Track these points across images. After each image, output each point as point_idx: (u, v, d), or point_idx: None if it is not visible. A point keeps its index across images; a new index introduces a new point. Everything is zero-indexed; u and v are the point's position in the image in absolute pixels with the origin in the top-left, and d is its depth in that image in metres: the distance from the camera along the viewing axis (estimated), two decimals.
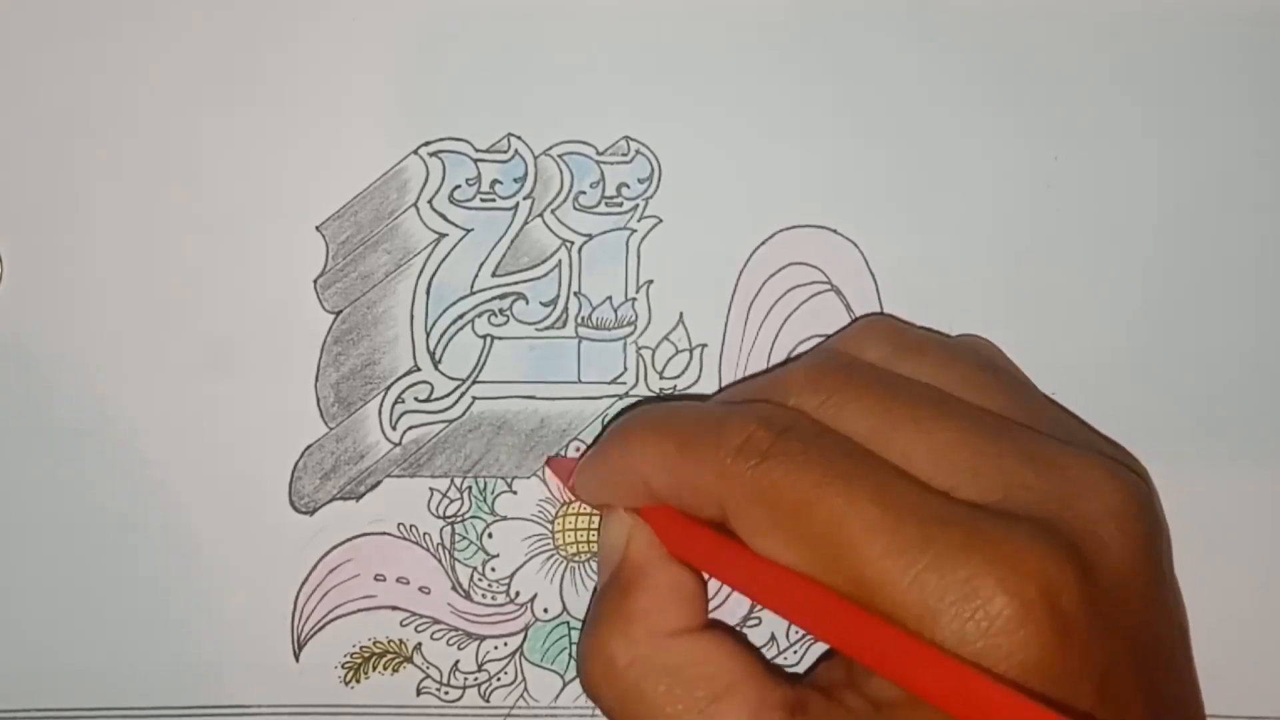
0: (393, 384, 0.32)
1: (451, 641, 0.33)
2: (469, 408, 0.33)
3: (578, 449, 0.33)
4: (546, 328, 0.33)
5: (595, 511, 0.33)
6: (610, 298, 0.33)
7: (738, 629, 0.32)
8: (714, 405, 0.27)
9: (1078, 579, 0.23)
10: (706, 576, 0.28)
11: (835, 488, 0.24)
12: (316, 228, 0.32)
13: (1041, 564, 0.23)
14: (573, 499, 0.32)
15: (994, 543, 0.23)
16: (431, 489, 0.33)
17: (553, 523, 0.33)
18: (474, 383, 0.33)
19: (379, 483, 0.33)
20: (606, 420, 0.33)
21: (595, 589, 0.30)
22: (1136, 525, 0.25)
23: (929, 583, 0.23)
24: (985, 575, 0.23)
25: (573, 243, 0.33)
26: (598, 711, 0.33)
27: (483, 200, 0.33)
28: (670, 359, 0.33)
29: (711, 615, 0.28)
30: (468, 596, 0.33)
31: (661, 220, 0.33)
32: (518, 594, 0.33)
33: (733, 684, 0.26)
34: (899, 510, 0.24)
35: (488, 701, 0.33)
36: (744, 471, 0.25)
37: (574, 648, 0.33)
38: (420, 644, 0.33)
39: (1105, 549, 0.24)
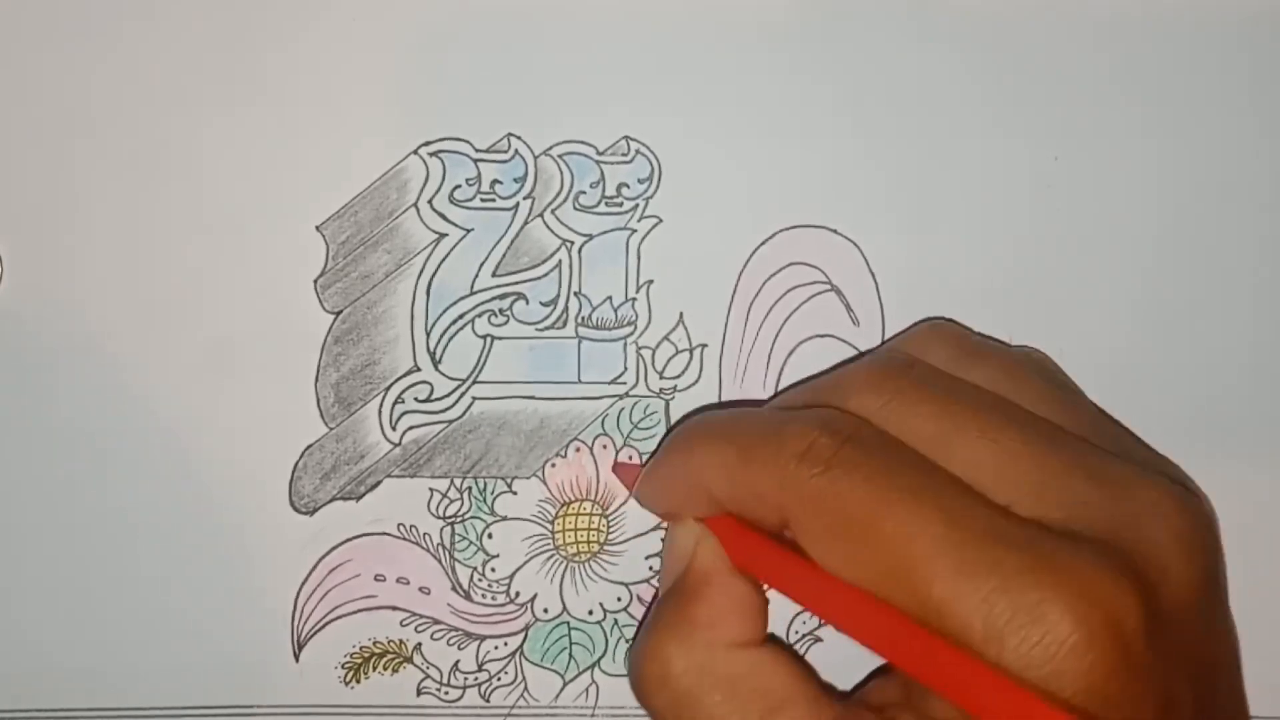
0: (393, 384, 0.32)
1: (451, 641, 0.33)
2: (469, 408, 0.33)
3: (577, 449, 0.33)
4: (546, 328, 0.33)
5: (594, 512, 0.33)
6: (610, 298, 0.33)
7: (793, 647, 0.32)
8: (775, 411, 0.27)
9: (1141, 605, 0.23)
10: (768, 589, 0.28)
11: (901, 502, 0.24)
12: (316, 228, 0.32)
13: (1107, 589, 0.23)
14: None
15: (1060, 567, 0.23)
16: (431, 489, 0.33)
17: (552, 523, 0.33)
18: (474, 383, 0.33)
19: (379, 483, 0.33)
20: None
21: (656, 594, 0.30)
22: (1200, 551, 0.25)
23: (996, 605, 0.23)
24: (1052, 601, 0.22)
25: (573, 243, 0.33)
26: (598, 713, 0.33)
27: (483, 200, 0.33)
28: (670, 359, 0.33)
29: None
30: (468, 596, 0.33)
31: (661, 220, 0.33)
32: (518, 594, 0.33)
33: (787, 700, 0.26)
34: (966, 528, 0.23)
35: (488, 701, 0.33)
36: (806, 480, 0.25)
37: (574, 648, 0.33)
38: (420, 644, 0.33)
39: (1169, 574, 0.24)
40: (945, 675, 0.23)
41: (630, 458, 0.33)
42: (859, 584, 0.24)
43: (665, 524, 0.32)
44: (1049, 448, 0.25)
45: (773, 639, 0.27)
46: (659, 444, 0.32)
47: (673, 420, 0.33)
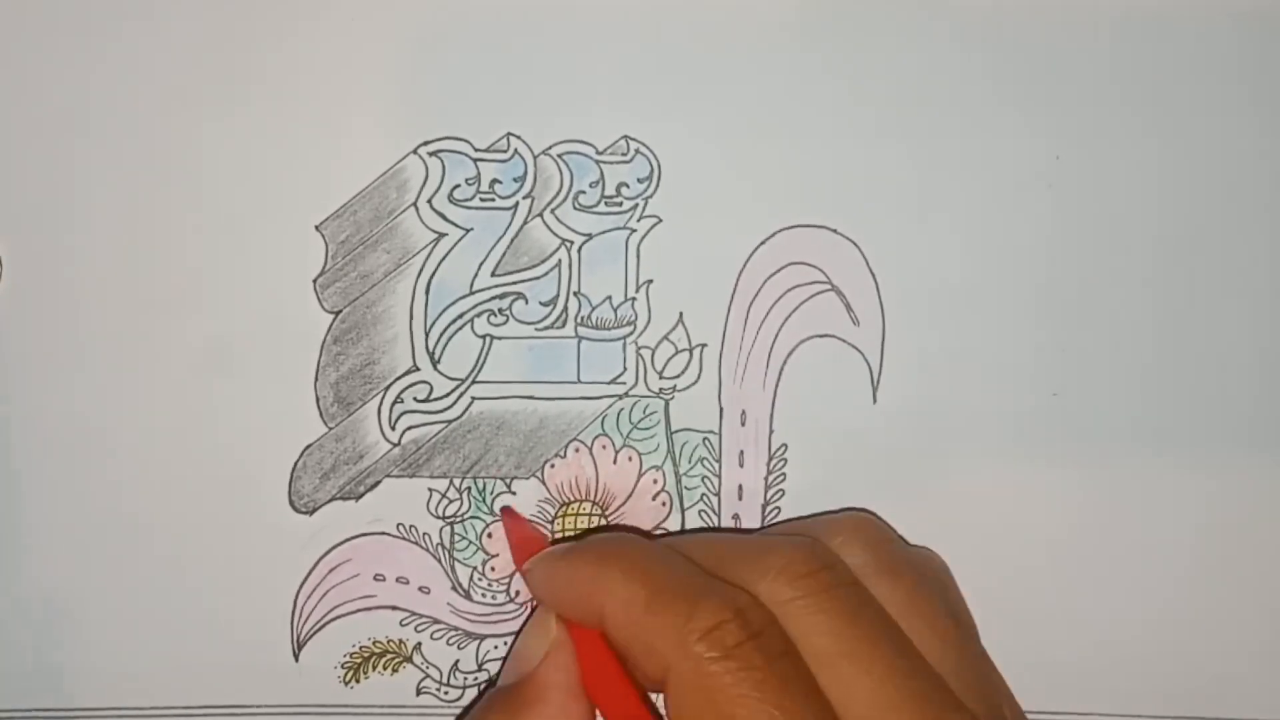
0: (392, 384, 0.32)
1: (451, 641, 0.33)
2: (468, 408, 0.33)
3: (577, 450, 0.33)
4: (546, 328, 0.33)
5: (594, 513, 0.33)
6: (610, 297, 0.33)
7: None
8: (692, 572, 0.27)
9: None
10: None
11: (786, 711, 0.25)
12: (316, 227, 0.32)
13: None
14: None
15: None
16: (430, 489, 0.33)
17: (552, 523, 0.33)
18: (473, 383, 0.33)
19: (378, 483, 0.33)
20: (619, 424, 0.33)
21: (493, 679, 0.30)
22: None
23: None
24: None
25: (572, 242, 0.33)
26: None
27: (482, 200, 0.32)
28: (670, 359, 0.33)
29: None
30: (467, 596, 0.33)
31: (661, 220, 0.33)
32: (517, 593, 0.33)
33: None
34: None
35: None
36: (701, 657, 0.25)
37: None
38: (420, 644, 0.33)
39: None
40: None
41: (631, 459, 0.33)
42: None
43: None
44: (917, 694, 0.26)
45: None
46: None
47: (673, 420, 0.33)
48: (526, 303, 0.33)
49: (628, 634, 0.27)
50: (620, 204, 0.33)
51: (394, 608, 0.33)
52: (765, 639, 0.26)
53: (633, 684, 0.27)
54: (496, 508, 0.33)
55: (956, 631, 0.28)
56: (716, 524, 0.33)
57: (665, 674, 0.26)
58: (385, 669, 0.33)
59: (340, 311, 0.32)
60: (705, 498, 0.33)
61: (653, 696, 0.27)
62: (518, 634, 0.30)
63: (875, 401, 0.33)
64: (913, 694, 0.26)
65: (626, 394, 0.33)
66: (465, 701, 0.33)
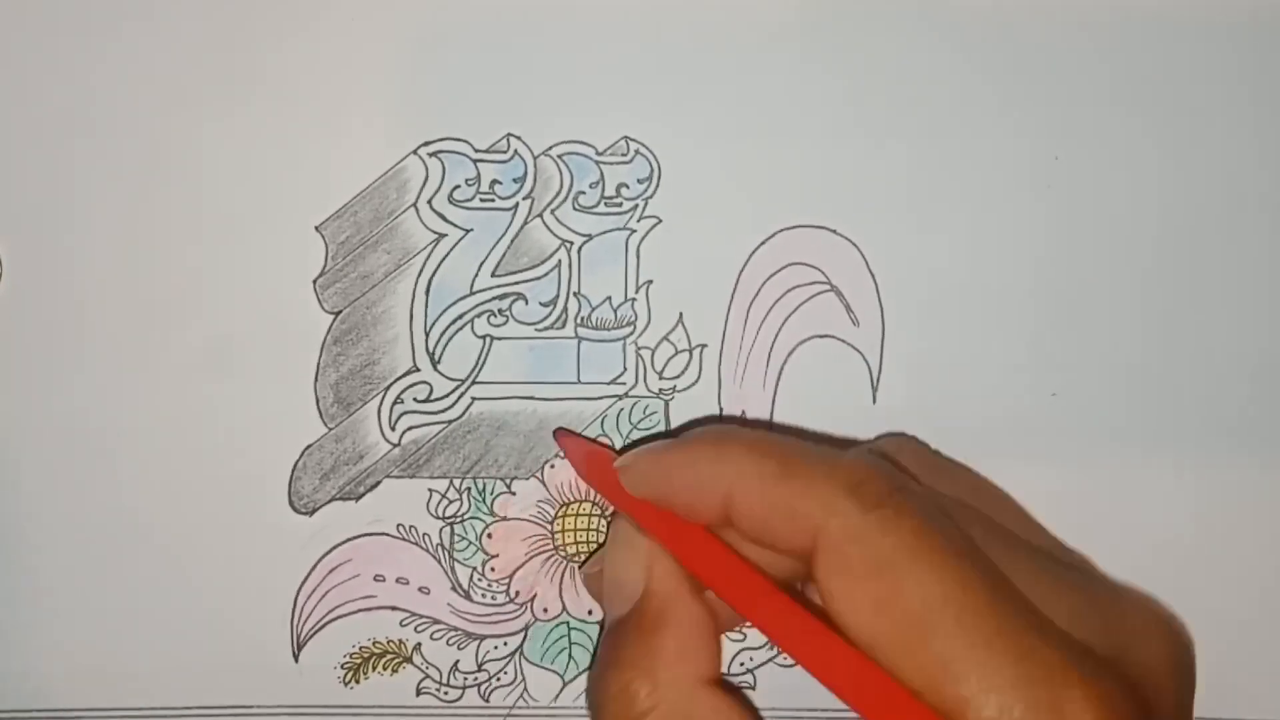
0: (392, 384, 0.32)
1: (451, 641, 0.33)
2: (468, 408, 0.33)
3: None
4: (546, 328, 0.33)
5: (594, 513, 0.33)
6: (610, 298, 0.33)
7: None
8: (813, 445, 0.27)
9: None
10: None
11: (946, 561, 0.24)
12: (316, 228, 0.32)
13: (1121, 704, 0.23)
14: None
15: (1086, 673, 0.23)
16: (430, 490, 0.33)
17: (552, 523, 0.33)
18: (473, 383, 0.33)
19: (378, 483, 0.33)
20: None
21: (605, 619, 0.28)
22: (1185, 676, 0.26)
23: (1018, 693, 0.23)
24: (1078, 703, 0.23)
25: (572, 243, 0.33)
26: None
27: (482, 200, 0.32)
28: (670, 359, 0.33)
29: None
30: (467, 596, 0.33)
31: (661, 220, 0.33)
32: (517, 594, 0.33)
33: None
34: (1006, 606, 0.23)
35: (488, 701, 0.33)
36: (853, 510, 0.24)
37: (574, 648, 0.33)
38: (420, 644, 0.33)
39: (1160, 696, 0.24)
40: None
41: None
42: (871, 632, 0.24)
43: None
44: (1041, 564, 0.25)
45: (726, 681, 0.27)
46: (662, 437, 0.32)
47: (672, 421, 0.33)
48: (526, 303, 0.33)
49: (765, 506, 0.25)
50: (620, 205, 0.33)
51: (394, 608, 0.33)
52: (911, 490, 0.25)
53: (760, 573, 0.26)
54: (497, 508, 0.33)
55: (1026, 517, 0.28)
56: None
57: (814, 537, 0.24)
58: (385, 669, 0.33)
59: (340, 312, 0.32)
60: None
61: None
62: (585, 567, 0.30)
63: (875, 401, 0.33)
64: (1032, 563, 0.25)
65: (626, 394, 0.33)
66: (465, 702, 0.33)
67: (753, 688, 0.33)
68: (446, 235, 0.32)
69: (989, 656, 0.23)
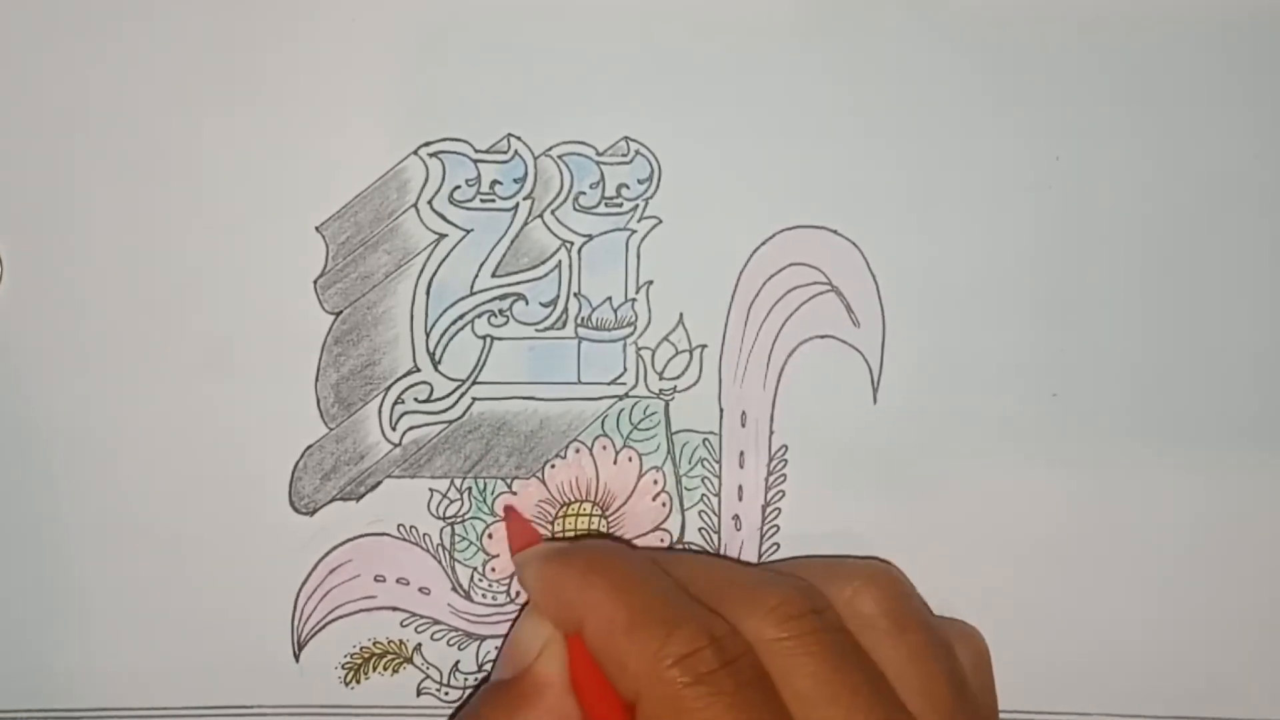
0: (392, 384, 0.32)
1: (452, 642, 0.33)
2: (469, 408, 0.33)
3: (577, 450, 0.33)
4: (546, 328, 0.33)
5: (594, 513, 0.33)
6: (610, 298, 0.33)
7: None
8: (675, 594, 0.28)
9: None
10: None
11: None
12: (316, 228, 0.32)
13: None
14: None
15: None
16: (431, 490, 0.33)
17: (552, 523, 0.33)
18: (474, 383, 0.33)
19: (379, 483, 0.33)
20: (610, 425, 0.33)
21: (491, 673, 0.30)
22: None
23: None
24: None
25: (572, 243, 0.33)
26: None
27: (482, 201, 0.32)
28: (670, 359, 0.33)
29: None
30: (468, 597, 0.33)
31: (661, 221, 0.33)
32: (517, 594, 0.33)
33: None
34: None
35: None
36: (673, 681, 0.26)
37: None
38: (420, 644, 0.33)
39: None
40: None
41: (631, 459, 0.33)
42: None
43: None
44: None
45: None
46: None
47: (673, 421, 0.33)
48: (527, 303, 0.33)
49: (604, 652, 0.27)
50: (620, 205, 0.33)
51: (394, 608, 0.33)
52: (738, 667, 0.26)
53: (614, 690, 0.27)
54: (497, 508, 0.33)
55: (951, 702, 0.28)
56: (717, 525, 0.33)
57: (637, 696, 0.26)
58: (386, 670, 0.33)
59: (341, 312, 0.32)
60: (705, 498, 0.33)
61: None
62: (512, 625, 0.30)
63: (875, 402, 0.33)
64: None
65: (627, 395, 0.33)
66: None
67: None
68: (447, 235, 0.32)
69: None
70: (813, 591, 0.28)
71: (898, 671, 0.27)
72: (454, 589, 0.33)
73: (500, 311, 0.33)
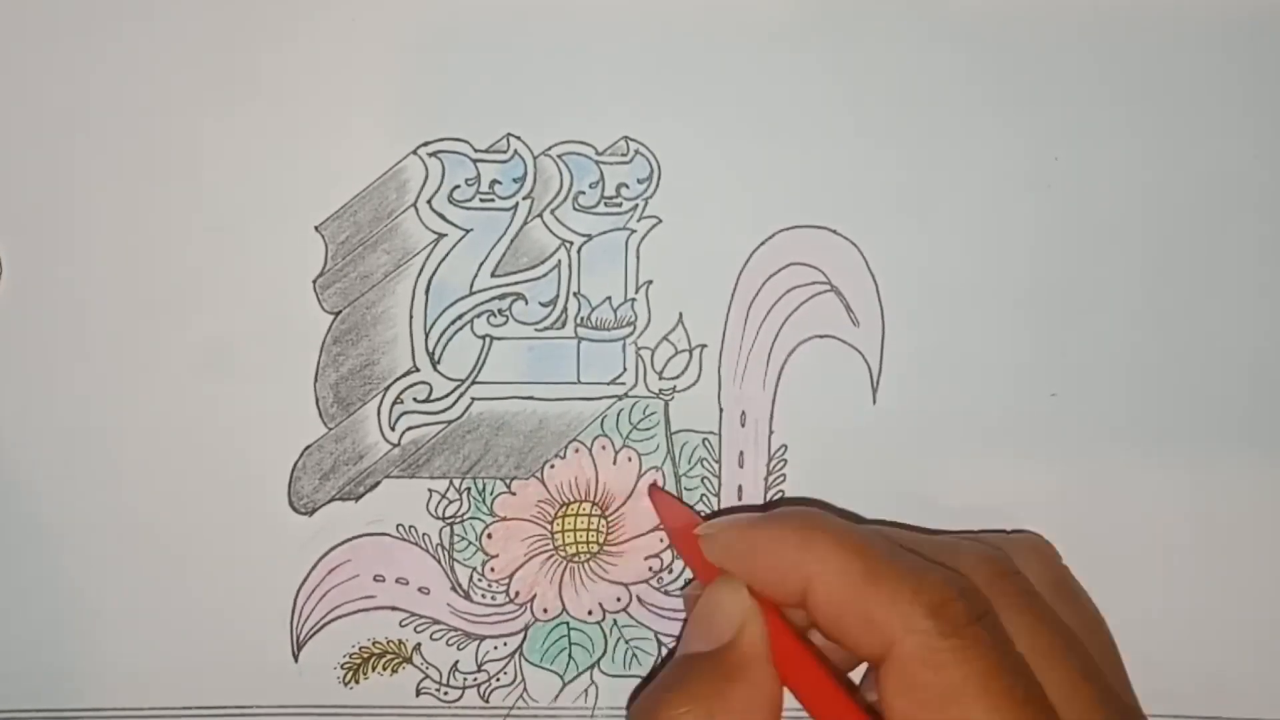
0: (392, 384, 0.32)
1: (451, 642, 0.33)
2: (468, 408, 0.33)
3: (576, 450, 0.33)
4: (546, 328, 0.33)
5: (593, 513, 0.33)
6: (609, 298, 0.33)
7: None
8: (900, 546, 0.27)
9: None
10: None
11: (1008, 705, 0.24)
12: (316, 228, 0.32)
13: None
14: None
15: None
16: (430, 490, 0.33)
17: (552, 523, 0.33)
18: (473, 383, 0.33)
19: (378, 483, 0.33)
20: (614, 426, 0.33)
21: (679, 644, 0.28)
22: None
23: None
24: None
25: (572, 243, 0.33)
26: (597, 713, 0.33)
27: (482, 200, 0.32)
28: (670, 359, 0.33)
29: None
30: (467, 597, 0.33)
31: (661, 220, 0.33)
32: (517, 594, 0.33)
33: None
34: None
35: (487, 702, 0.33)
36: (930, 632, 0.24)
37: (573, 648, 0.33)
38: (420, 644, 0.33)
39: None
40: None
41: (630, 459, 0.33)
42: None
43: (668, 538, 0.32)
44: (1097, 693, 0.26)
45: None
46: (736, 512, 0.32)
47: (672, 421, 0.33)
48: (526, 303, 0.33)
49: (842, 605, 0.26)
50: (620, 205, 0.33)
51: (393, 608, 0.33)
52: (991, 622, 0.25)
53: (817, 661, 0.26)
54: (496, 508, 0.33)
55: (1121, 668, 0.28)
56: None
57: (886, 648, 0.25)
58: (385, 669, 0.33)
59: (340, 312, 0.32)
60: (705, 498, 0.33)
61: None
62: (686, 599, 0.30)
63: (875, 402, 0.33)
64: (1091, 692, 0.26)
65: (626, 394, 0.33)
66: (465, 702, 0.33)
67: None
68: (446, 235, 0.32)
69: None
70: (1003, 557, 0.27)
71: (1078, 630, 0.27)
72: (453, 589, 0.33)
73: (500, 311, 0.33)
